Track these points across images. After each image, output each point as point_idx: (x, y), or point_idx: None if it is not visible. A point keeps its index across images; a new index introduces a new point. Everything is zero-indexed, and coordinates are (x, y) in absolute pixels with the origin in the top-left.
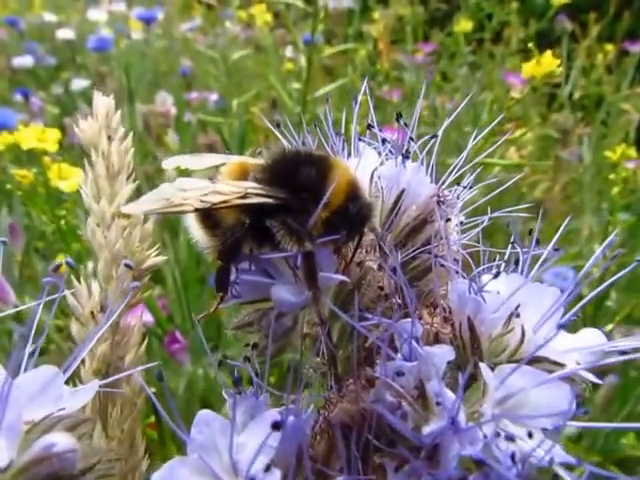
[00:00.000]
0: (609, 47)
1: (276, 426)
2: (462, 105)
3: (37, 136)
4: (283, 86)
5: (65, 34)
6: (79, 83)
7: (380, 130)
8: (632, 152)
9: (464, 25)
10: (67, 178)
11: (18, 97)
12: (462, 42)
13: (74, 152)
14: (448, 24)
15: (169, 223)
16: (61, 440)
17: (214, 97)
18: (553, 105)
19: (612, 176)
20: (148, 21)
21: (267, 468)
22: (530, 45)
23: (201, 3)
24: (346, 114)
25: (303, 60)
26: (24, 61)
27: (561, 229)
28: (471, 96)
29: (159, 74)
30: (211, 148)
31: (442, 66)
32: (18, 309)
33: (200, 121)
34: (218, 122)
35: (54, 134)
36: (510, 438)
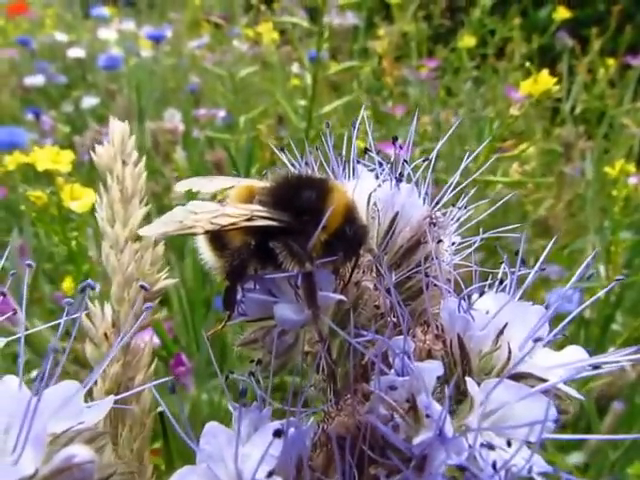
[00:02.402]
0: (611, 61)
1: (278, 434)
2: (455, 123)
3: (52, 157)
4: (289, 102)
5: (76, 53)
6: (89, 101)
7: (378, 152)
8: (631, 168)
9: (467, 41)
10: (79, 198)
11: (29, 116)
12: (466, 57)
13: (84, 170)
14: (452, 40)
15: (175, 244)
16: (81, 452)
17: (222, 114)
18: (556, 119)
19: (614, 192)
20: (157, 39)
21: (269, 475)
22: (528, 65)
23: (209, 22)
24: (349, 134)
25: (309, 77)
26: (35, 80)
27: (549, 247)
28: (475, 111)
29: (167, 91)
30: (218, 165)
31: (446, 81)
32: (29, 331)
33: (208, 137)
34: (225, 139)
35: (68, 156)
36: (491, 447)
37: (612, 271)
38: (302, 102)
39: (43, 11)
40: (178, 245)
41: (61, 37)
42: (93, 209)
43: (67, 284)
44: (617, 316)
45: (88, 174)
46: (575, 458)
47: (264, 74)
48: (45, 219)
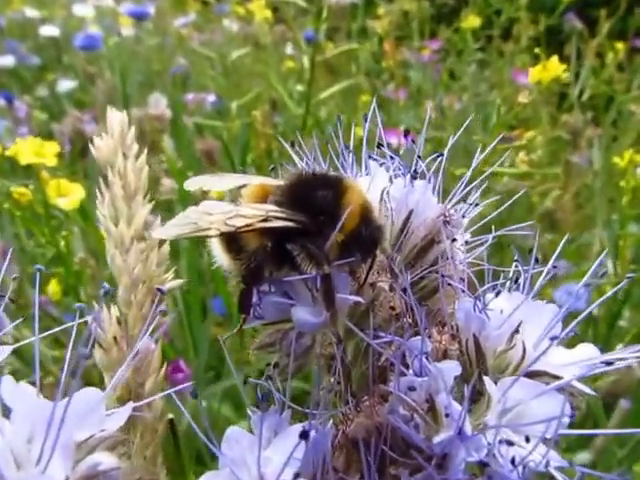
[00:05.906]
0: (620, 45)
1: (304, 435)
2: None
3: (35, 150)
4: (284, 86)
5: (49, 31)
6: (66, 85)
7: (388, 145)
8: None
9: (472, 21)
10: (67, 194)
11: (1, 102)
12: (470, 39)
13: (64, 162)
14: (455, 20)
15: (171, 245)
16: (106, 459)
17: (211, 98)
18: (563, 105)
19: (622, 183)
20: (139, 17)
21: (295, 477)
22: (537, 50)
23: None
24: (358, 131)
25: (305, 58)
26: (5, 61)
27: (560, 246)
28: (480, 96)
29: (151, 74)
30: (209, 154)
31: (450, 64)
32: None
33: (197, 125)
34: (217, 126)
35: (52, 147)
36: (510, 444)
37: (620, 266)
38: (298, 87)
39: None
40: (173, 245)
41: (32, 13)
42: (81, 206)
43: (53, 288)
44: (624, 312)
45: (71, 166)
46: (582, 457)
47: (256, 55)
48: (28, 217)
